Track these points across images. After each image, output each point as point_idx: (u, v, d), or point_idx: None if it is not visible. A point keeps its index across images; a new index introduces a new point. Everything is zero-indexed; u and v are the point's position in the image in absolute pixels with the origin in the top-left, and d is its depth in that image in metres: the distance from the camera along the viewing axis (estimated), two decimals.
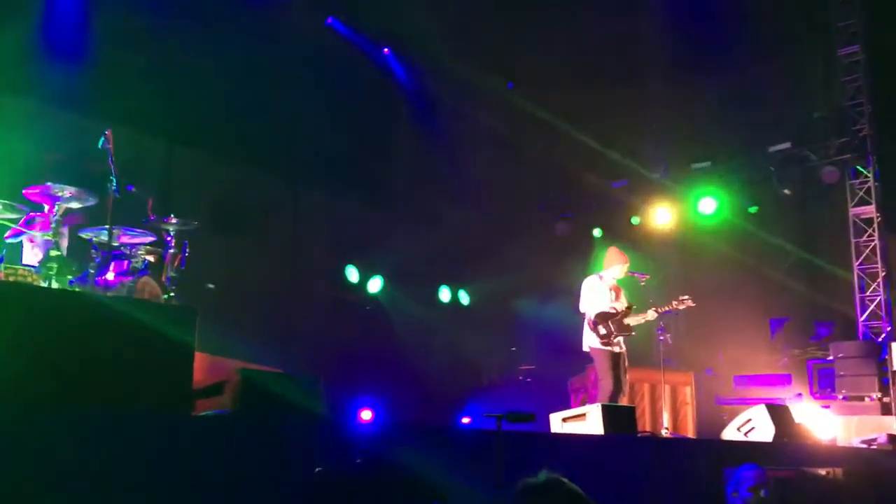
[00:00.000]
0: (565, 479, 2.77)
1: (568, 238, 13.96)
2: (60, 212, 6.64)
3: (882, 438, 8.57)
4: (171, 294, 7.40)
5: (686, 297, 8.39)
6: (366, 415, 9.96)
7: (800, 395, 10.77)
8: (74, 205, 6.86)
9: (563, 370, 10.65)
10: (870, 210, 11.69)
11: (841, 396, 10.62)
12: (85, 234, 7.10)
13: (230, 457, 4.20)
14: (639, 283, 8.82)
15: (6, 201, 6.61)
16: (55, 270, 6.28)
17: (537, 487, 2.74)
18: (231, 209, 10.16)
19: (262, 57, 9.88)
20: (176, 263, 7.69)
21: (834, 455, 7.64)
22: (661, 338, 8.92)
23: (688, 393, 10.01)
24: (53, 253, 6.40)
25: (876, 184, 11.67)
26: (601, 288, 8.38)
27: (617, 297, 8.40)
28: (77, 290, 6.39)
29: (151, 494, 3.83)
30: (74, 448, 3.74)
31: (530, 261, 13.13)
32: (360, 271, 11.43)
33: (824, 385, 10.81)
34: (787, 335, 12.07)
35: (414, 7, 11.07)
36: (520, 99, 12.68)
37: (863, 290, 11.63)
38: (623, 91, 12.53)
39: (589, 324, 8.22)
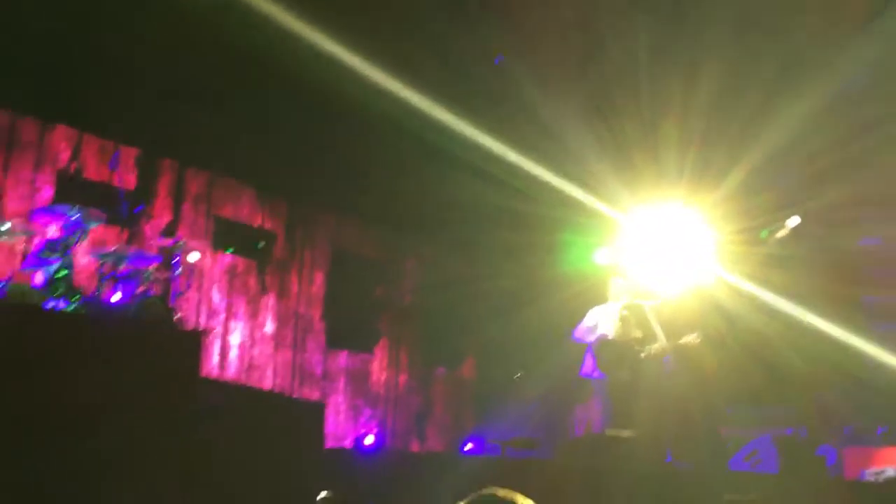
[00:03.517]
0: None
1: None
2: (69, 233, 6.66)
3: (890, 471, 8.47)
4: (179, 316, 7.40)
5: (695, 334, 8.24)
6: (368, 440, 9.93)
7: (805, 426, 10.64)
8: (83, 226, 6.89)
9: (569, 397, 10.57)
10: None
11: (847, 428, 10.49)
12: (93, 256, 7.13)
13: (235, 482, 4.19)
14: (657, 313, 8.50)
15: (15, 224, 6.64)
16: (62, 292, 6.29)
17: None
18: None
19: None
20: (182, 285, 7.72)
21: (841, 488, 7.57)
22: (667, 369, 8.81)
23: (693, 422, 9.88)
24: (60, 274, 6.41)
25: None
26: (604, 317, 8.34)
27: (623, 327, 8.32)
28: (83, 312, 6.40)
29: None
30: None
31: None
32: None
33: (829, 417, 10.68)
34: None
35: None
36: None
37: None
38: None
39: (590, 351, 8.21)
